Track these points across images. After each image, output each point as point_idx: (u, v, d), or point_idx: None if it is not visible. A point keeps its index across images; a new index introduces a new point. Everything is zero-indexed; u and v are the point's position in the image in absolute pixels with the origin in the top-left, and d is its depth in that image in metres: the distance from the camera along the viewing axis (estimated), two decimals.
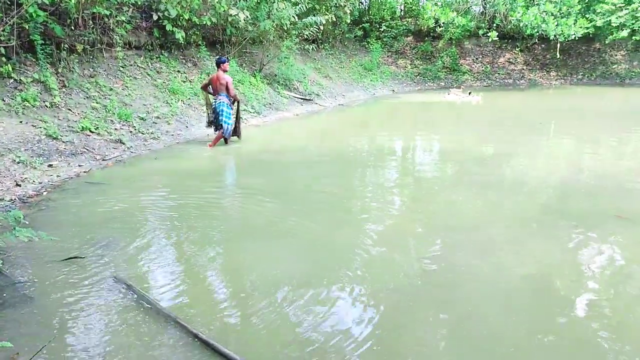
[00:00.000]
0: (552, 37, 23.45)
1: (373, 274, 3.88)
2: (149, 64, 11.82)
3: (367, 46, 25.77)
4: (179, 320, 3.18)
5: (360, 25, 25.82)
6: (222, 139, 9.37)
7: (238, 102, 9.55)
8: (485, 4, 26.00)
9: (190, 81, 12.38)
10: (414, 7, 27.75)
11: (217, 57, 10.09)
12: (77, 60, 9.78)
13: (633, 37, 24.20)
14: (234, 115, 9.51)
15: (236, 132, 9.61)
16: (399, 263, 4.06)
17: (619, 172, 7.02)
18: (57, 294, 3.59)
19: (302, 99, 16.20)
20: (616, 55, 26.82)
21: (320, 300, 3.49)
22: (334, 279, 3.79)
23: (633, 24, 23.63)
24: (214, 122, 9.33)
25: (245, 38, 14.93)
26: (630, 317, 3.26)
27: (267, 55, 16.13)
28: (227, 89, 9.14)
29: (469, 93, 18.80)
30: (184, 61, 13.04)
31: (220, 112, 9.17)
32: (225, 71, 9.23)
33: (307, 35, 16.49)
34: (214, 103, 9.30)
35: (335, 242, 4.51)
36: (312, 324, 3.20)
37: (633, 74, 25.65)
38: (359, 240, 4.52)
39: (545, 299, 3.49)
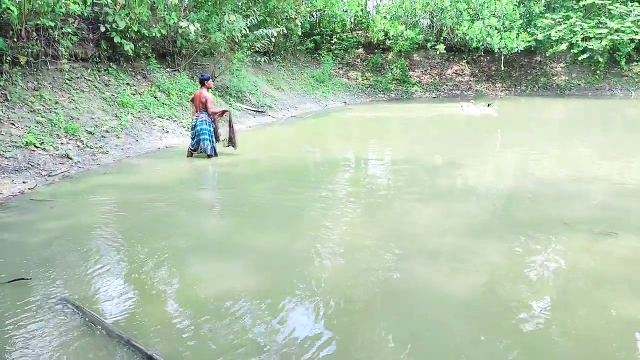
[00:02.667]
0: (496, 50, 24.31)
1: (328, 284, 3.90)
2: (97, 76, 11.55)
3: (318, 58, 25.97)
4: (132, 341, 3.10)
5: (312, 38, 26.03)
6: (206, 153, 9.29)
7: (230, 113, 9.54)
8: (432, 17, 26.69)
9: (140, 94, 12.16)
10: (363, 20, 28.19)
11: (200, 74, 10.07)
12: (20, 73, 9.45)
13: (571, 50, 25.39)
14: (226, 137, 9.56)
15: (232, 142, 9.55)
16: (353, 273, 4.09)
17: (562, 179, 7.32)
18: (1, 318, 3.44)
19: (254, 111, 16.16)
20: (556, 67, 28.00)
21: (275, 311, 3.48)
22: (289, 291, 3.79)
23: (571, 37, 24.80)
24: (195, 142, 9.25)
25: (196, 50, 14.81)
26: (579, 322, 3.39)
27: (219, 68, 16.05)
28: (206, 107, 9.12)
29: (488, 105, 18.64)
30: (133, 73, 12.80)
31: (200, 131, 9.13)
32: (209, 88, 9.30)
33: (258, 47, 16.49)
34: (194, 120, 9.22)
35: (290, 255, 4.51)
36: (267, 335, 3.19)
37: (572, 85, 26.82)
38: (313, 252, 4.54)
39: (496, 305, 3.59)
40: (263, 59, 18.58)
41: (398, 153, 10.13)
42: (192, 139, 9.29)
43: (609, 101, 22.60)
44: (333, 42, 27.18)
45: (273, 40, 16.96)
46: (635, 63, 26.18)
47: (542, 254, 4.47)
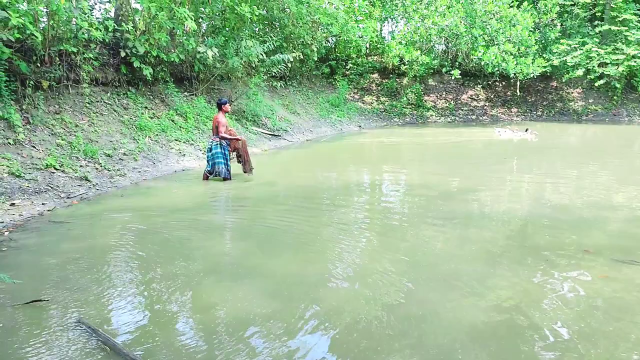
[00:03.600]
0: (512, 75, 24.32)
1: (341, 310, 3.88)
2: (116, 100, 11.76)
3: (333, 83, 26.19)
4: None
5: (327, 63, 26.29)
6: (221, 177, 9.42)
7: (244, 143, 9.71)
8: (447, 43, 26.86)
9: (157, 117, 12.34)
10: (379, 46, 28.44)
11: (218, 99, 10.17)
12: (42, 97, 9.67)
13: (587, 76, 25.32)
14: (234, 156, 9.72)
15: (246, 168, 9.67)
16: (367, 299, 4.07)
17: (580, 205, 7.24)
18: (19, 340, 3.47)
19: (270, 134, 16.29)
20: (573, 92, 27.93)
21: (289, 337, 3.47)
22: (302, 316, 3.77)
23: (587, 63, 24.76)
24: (211, 166, 9.39)
25: (214, 75, 15.03)
26: (598, 352, 3.33)
27: (236, 92, 16.25)
28: (217, 129, 9.32)
29: (526, 130, 18.55)
30: (151, 97, 13.01)
31: (215, 155, 9.31)
32: (226, 112, 9.49)
33: (275, 72, 16.69)
34: (209, 144, 9.39)
35: (304, 279, 4.51)
36: (283, 359, 3.17)
37: (589, 110, 26.71)
38: (327, 277, 4.53)
39: (511, 332, 3.54)
40: (279, 83, 18.80)
41: (413, 177, 10.11)
42: (208, 162, 9.39)
43: (626, 127, 22.43)
44: (348, 67, 27.44)
45: (289, 65, 17.18)
46: None
47: (561, 282, 4.42)
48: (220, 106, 9.36)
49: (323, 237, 5.93)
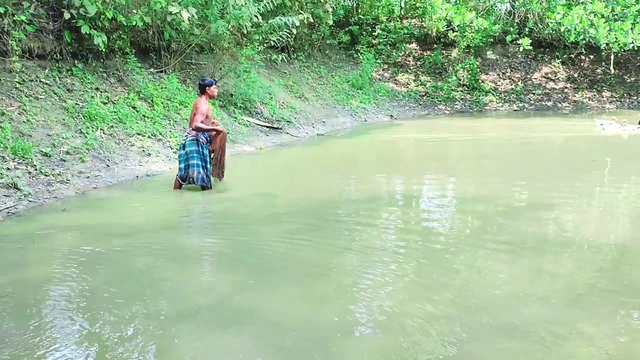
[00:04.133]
0: (603, 46, 24.14)
1: None
2: (57, 78, 11.86)
3: (355, 56, 26.24)
4: None
5: (347, 28, 26.37)
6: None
7: (224, 134, 9.69)
8: (514, 2, 26.82)
9: (113, 102, 12.42)
10: (418, 5, 28.49)
11: (201, 78, 10.13)
12: None
13: None
14: (213, 155, 9.69)
15: (215, 171, 9.73)
16: (403, 355, 4.04)
17: None
18: None
19: (267, 127, 16.35)
20: None
21: None
22: None
23: None
24: (184, 168, 9.37)
25: (190, 44, 15.12)
26: None
27: (220, 68, 16.33)
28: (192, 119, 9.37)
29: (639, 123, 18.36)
30: (105, 75, 13.11)
31: (190, 153, 9.27)
32: (211, 97, 9.54)
33: (274, 41, 16.77)
34: (183, 139, 9.39)
35: (315, 327, 4.48)
36: None
37: None
38: (345, 325, 4.50)
39: None
40: (280, 56, 18.88)
41: (466, 187, 10.07)
42: (181, 163, 9.37)
43: None
44: (376, 34, 27.48)
45: (294, 31, 17.24)
46: None
47: None
48: (203, 88, 9.32)
49: (340, 267, 5.90)
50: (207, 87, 9.31)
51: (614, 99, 27.07)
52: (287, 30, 16.56)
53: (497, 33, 26.24)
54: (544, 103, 26.81)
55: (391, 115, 23.15)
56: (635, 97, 27.16)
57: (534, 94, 27.26)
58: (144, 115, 12.70)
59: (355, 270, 5.80)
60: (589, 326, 4.47)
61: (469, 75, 26.74)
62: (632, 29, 23.78)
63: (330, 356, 4.06)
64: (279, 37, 16.64)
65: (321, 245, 6.63)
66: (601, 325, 4.50)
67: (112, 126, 11.66)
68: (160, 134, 12.45)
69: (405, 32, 27.98)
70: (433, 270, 5.80)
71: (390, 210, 8.55)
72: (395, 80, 26.73)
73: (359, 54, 26.19)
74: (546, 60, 28.48)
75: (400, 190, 10.04)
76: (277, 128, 16.62)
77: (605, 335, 4.34)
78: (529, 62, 28.37)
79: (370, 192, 9.70)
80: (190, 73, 15.97)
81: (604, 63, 27.84)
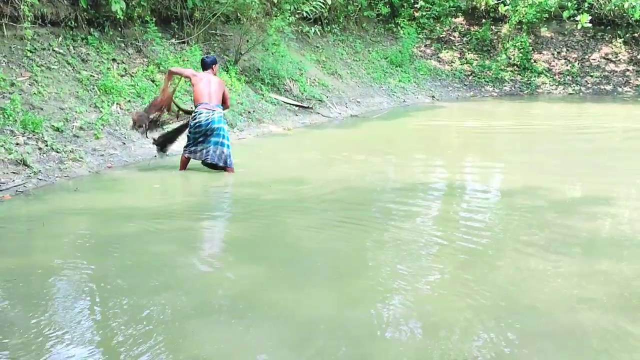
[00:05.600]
0: None
1: None
2: (71, 47, 11.94)
3: (395, 30, 26.07)
4: None
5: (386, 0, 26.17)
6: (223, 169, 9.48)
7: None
8: None
9: (131, 75, 12.49)
10: None
11: (206, 56, 10.31)
12: None
13: None
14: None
15: (164, 147, 9.89)
16: (440, 358, 4.04)
17: None
18: None
19: (297, 105, 16.33)
20: None
21: None
22: None
23: None
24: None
25: (215, 14, 15.12)
26: None
27: (247, 41, 16.32)
28: (224, 98, 9.53)
29: None
30: (122, 45, 13.17)
31: (218, 131, 9.24)
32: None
33: (306, 12, 16.71)
34: (202, 118, 9.31)
35: (344, 327, 4.48)
36: None
37: None
38: (377, 326, 4.49)
39: None
40: (313, 29, 18.81)
41: (514, 178, 9.97)
42: (195, 140, 9.33)
43: None
44: (418, 6, 27.24)
45: (329, 1, 17.14)
46: None
47: None
48: (207, 66, 9.53)
49: (372, 263, 5.90)
50: (212, 65, 9.58)
51: None
52: (321, 0, 16.47)
53: (553, 8, 25.82)
54: (602, 87, 26.40)
55: (433, 96, 22.99)
56: None
57: (591, 76, 26.85)
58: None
59: (390, 267, 5.78)
60: None
61: (520, 54, 26.39)
62: None
63: (358, 357, 4.06)
64: (312, 8, 16.55)
65: (353, 237, 6.62)
66: None
67: (129, 100, 11.73)
68: None
69: (451, 4, 27.66)
70: (475, 269, 5.76)
71: (430, 202, 8.51)
72: (439, 57, 26.51)
73: (399, 28, 25.97)
74: (607, 39, 28.00)
75: (440, 180, 9.97)
76: (308, 107, 16.59)
77: None
78: (587, 41, 27.93)
79: (408, 181, 9.65)
80: (215, 45, 16.00)
81: None
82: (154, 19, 13.93)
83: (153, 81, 12.76)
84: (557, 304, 4.96)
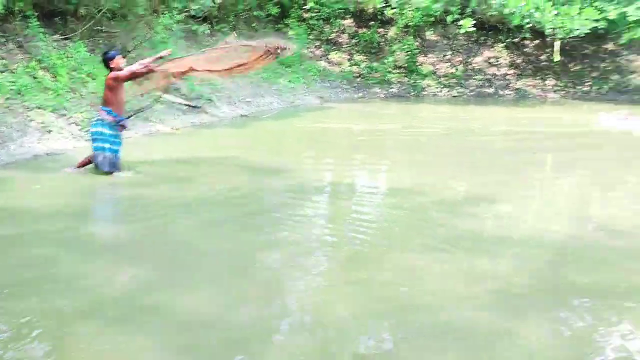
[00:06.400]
0: (548, 32, 24.69)
1: None
2: None
3: (285, 30, 26.09)
4: None
5: (277, 0, 26.20)
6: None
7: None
8: None
9: (11, 71, 12.06)
10: None
11: (105, 51, 9.65)
12: None
13: None
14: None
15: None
16: (329, 355, 4.07)
17: None
18: None
19: (185, 105, 16.12)
20: (636, 61, 28.66)
21: None
22: None
23: None
24: None
25: (101, 10, 14.79)
26: None
27: (134, 38, 16.04)
28: (108, 96, 8.97)
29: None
30: (2, 40, 12.73)
31: (94, 135, 8.92)
32: (118, 70, 8.88)
33: (195, 10, 16.56)
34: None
35: (233, 327, 4.46)
36: None
37: None
38: (264, 326, 4.50)
39: None
40: (202, 27, 18.65)
41: (400, 179, 10.17)
42: (100, 143, 8.96)
43: None
44: (308, 7, 27.38)
45: (218, 0, 17.04)
46: None
47: (610, 341, 4.50)
48: (107, 62, 8.96)
49: (261, 263, 5.89)
50: (110, 60, 8.86)
51: (558, 88, 27.71)
52: None
53: (438, 12, 26.47)
54: (485, 90, 27.25)
55: (322, 97, 23.15)
56: (580, 87, 27.90)
57: (474, 79, 27.67)
58: (45, 87, 12.35)
59: (279, 267, 5.81)
60: (521, 331, 4.58)
61: (407, 57, 26.93)
62: (579, 14, 24.40)
63: (250, 358, 4.05)
64: (200, 6, 16.43)
65: (242, 238, 6.61)
66: (537, 328, 4.62)
67: (8, 98, 11.31)
68: (64, 109, 12.13)
69: (340, 6, 27.93)
70: (361, 268, 5.85)
71: (319, 202, 8.58)
72: (328, 59, 26.73)
73: (289, 29, 26.06)
74: (489, 44, 28.96)
75: (329, 181, 10.05)
76: (196, 107, 16.41)
77: (541, 338, 4.46)
78: (470, 46, 28.79)
79: (297, 181, 9.67)
80: (100, 42, 15.62)
81: (548, 50, 28.48)
82: (37, 14, 13.51)
83: (34, 78, 12.34)
84: (441, 299, 5.09)
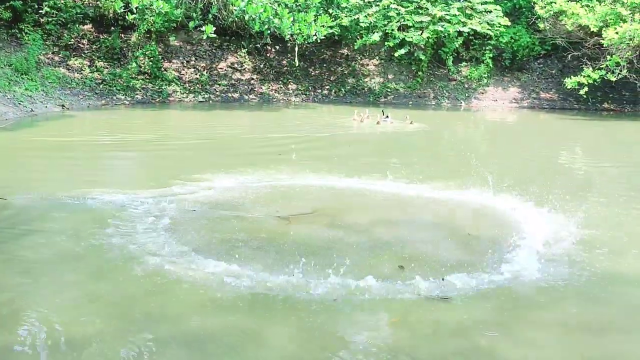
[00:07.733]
0: (287, 38, 25.62)
1: None
2: None
3: (19, 36, 24.86)
4: None
5: (8, 3, 24.84)
6: None
7: None
8: None
9: None
10: None
11: None
12: None
13: (386, 43, 27.91)
14: None
15: None
16: None
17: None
18: None
19: None
20: (368, 65, 30.61)
21: None
22: None
23: (385, 25, 27.31)
24: None
25: None
26: None
27: None
28: None
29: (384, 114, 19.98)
30: None
31: None
32: None
33: None
34: None
35: None
36: None
37: (388, 90, 29.51)
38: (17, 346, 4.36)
39: None
40: None
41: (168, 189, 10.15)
42: None
43: (433, 113, 25.36)
44: (43, 11, 26.25)
45: None
46: (464, 63, 29.78)
47: None
48: None
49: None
50: None
51: (300, 92, 28.87)
52: None
53: (180, 18, 26.50)
54: (230, 94, 27.70)
55: (63, 106, 22.28)
56: (319, 91, 29.27)
57: (219, 84, 28.05)
58: None
59: (24, 287, 5.62)
60: None
61: (151, 63, 26.70)
62: (315, 21, 25.58)
63: None
64: None
65: None
66: None
67: None
68: None
69: (78, 11, 27.06)
70: (107, 280, 5.80)
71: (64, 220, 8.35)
72: (68, 65, 25.77)
73: (24, 34, 24.82)
74: (232, 49, 29.47)
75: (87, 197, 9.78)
76: None
77: None
78: (214, 51, 29.13)
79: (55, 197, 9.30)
80: None
81: (289, 55, 29.57)
82: None
83: None
84: (185, 310, 5.19)
